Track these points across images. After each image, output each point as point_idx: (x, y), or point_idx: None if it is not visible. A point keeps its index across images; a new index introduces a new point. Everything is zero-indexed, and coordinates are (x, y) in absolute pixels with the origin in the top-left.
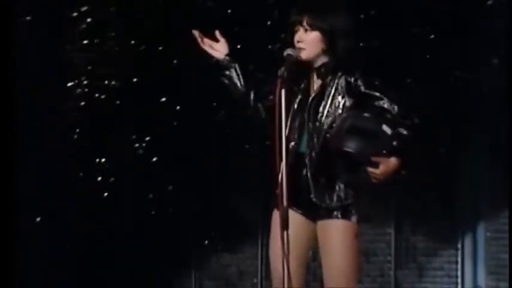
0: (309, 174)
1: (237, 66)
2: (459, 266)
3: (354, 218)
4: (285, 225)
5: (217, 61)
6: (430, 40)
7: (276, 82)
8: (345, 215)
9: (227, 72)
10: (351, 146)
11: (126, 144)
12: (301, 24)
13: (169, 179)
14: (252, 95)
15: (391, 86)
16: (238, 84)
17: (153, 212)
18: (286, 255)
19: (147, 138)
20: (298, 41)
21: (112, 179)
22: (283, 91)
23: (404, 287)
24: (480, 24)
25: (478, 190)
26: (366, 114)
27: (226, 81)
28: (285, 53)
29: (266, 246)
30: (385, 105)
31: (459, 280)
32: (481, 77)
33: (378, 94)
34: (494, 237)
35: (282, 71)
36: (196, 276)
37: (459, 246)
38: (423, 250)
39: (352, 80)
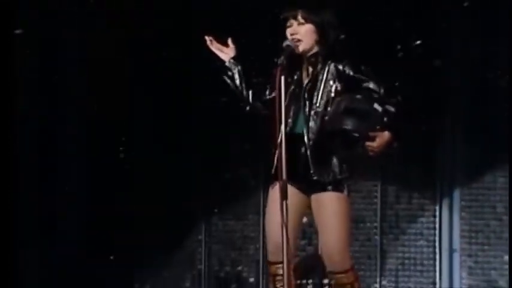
0: (308, 152)
1: (240, 68)
2: (437, 232)
3: (345, 191)
4: (284, 195)
5: (223, 63)
6: (410, 30)
7: (276, 70)
8: (338, 189)
9: (230, 73)
10: (349, 124)
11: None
12: (295, 18)
13: (177, 154)
14: (250, 94)
15: (376, 71)
16: (239, 86)
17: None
18: (285, 222)
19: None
20: (292, 34)
21: (123, 155)
22: (282, 77)
23: (389, 250)
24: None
25: (454, 165)
26: (358, 96)
27: (229, 81)
28: (284, 44)
29: None
30: (372, 86)
31: (437, 244)
32: (454, 63)
33: (364, 77)
34: (468, 205)
35: (281, 59)
36: (205, 241)
37: (437, 213)
38: (405, 217)
39: (341, 66)
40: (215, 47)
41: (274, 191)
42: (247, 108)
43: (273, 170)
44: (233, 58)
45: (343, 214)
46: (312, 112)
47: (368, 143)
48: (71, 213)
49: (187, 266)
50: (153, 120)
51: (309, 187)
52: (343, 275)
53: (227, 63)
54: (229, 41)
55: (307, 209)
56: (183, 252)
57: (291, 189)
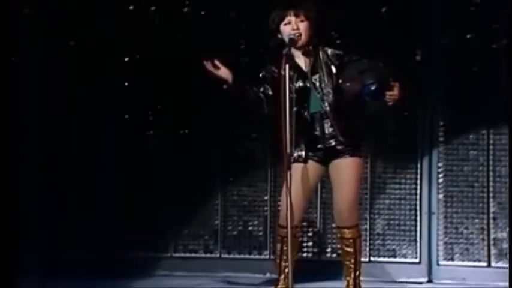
0: (330, 124)
1: (248, 83)
2: (418, 197)
3: (363, 156)
4: (288, 166)
5: (226, 83)
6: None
7: (282, 59)
8: (356, 153)
9: (243, 92)
10: (370, 80)
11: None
12: (297, 16)
13: (199, 132)
14: (265, 97)
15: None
16: (256, 97)
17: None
18: (288, 189)
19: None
20: (293, 29)
21: (151, 132)
22: (287, 66)
23: (377, 212)
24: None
25: (432, 140)
26: (364, 60)
27: (247, 96)
28: (288, 37)
29: (273, 182)
30: (362, 59)
31: (417, 207)
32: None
33: (353, 54)
34: (445, 174)
35: (286, 50)
36: (221, 204)
37: (418, 182)
38: (391, 184)
39: (332, 49)
40: (215, 70)
41: (294, 166)
42: (266, 111)
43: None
44: (235, 80)
45: (357, 177)
46: (325, 91)
47: (389, 93)
48: (104, 179)
49: (206, 225)
50: (176, 105)
51: (330, 156)
52: (347, 230)
53: (235, 88)
54: (217, 63)
55: (322, 178)
56: (203, 214)
57: (311, 162)
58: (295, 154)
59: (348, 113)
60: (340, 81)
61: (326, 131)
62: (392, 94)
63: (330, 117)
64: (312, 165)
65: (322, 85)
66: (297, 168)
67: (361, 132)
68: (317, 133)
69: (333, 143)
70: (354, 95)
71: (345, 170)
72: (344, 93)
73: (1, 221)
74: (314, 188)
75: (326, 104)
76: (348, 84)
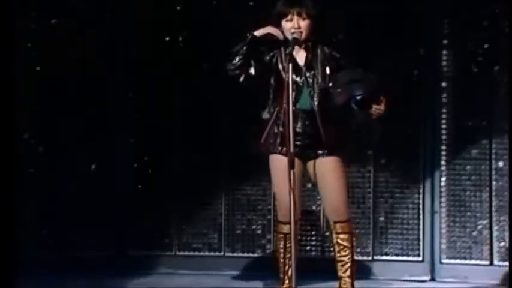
0: (317, 123)
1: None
2: (421, 196)
3: (341, 154)
4: (291, 166)
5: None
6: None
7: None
8: (337, 152)
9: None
10: (359, 91)
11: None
12: (299, 14)
13: (205, 136)
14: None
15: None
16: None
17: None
18: (292, 188)
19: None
20: (296, 27)
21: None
22: (290, 65)
23: (380, 211)
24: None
25: (435, 139)
26: (359, 70)
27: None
28: (291, 37)
29: None
30: (358, 68)
31: (420, 206)
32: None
33: (350, 58)
34: (447, 173)
35: (289, 49)
36: (225, 203)
37: (421, 180)
38: (394, 183)
39: (330, 50)
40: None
41: (278, 160)
42: (241, 79)
43: (263, 140)
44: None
45: (341, 174)
46: (316, 89)
47: (376, 106)
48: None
49: (209, 224)
50: (181, 104)
51: (306, 155)
52: (345, 224)
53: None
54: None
55: (304, 176)
56: (207, 212)
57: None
58: (279, 147)
59: (332, 116)
60: (330, 84)
61: (307, 129)
62: (378, 108)
63: (317, 116)
64: (297, 164)
65: (315, 83)
66: (285, 163)
67: (342, 137)
68: (298, 130)
69: (311, 142)
70: (341, 102)
71: (327, 167)
72: (332, 98)
73: (1, 220)
74: (302, 183)
75: (315, 102)
76: (338, 90)
